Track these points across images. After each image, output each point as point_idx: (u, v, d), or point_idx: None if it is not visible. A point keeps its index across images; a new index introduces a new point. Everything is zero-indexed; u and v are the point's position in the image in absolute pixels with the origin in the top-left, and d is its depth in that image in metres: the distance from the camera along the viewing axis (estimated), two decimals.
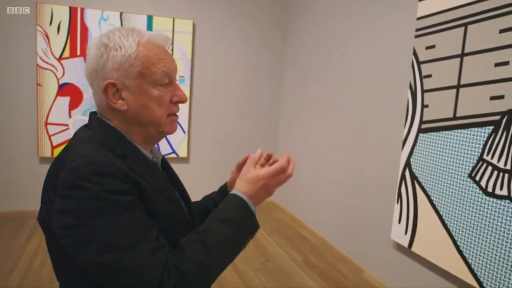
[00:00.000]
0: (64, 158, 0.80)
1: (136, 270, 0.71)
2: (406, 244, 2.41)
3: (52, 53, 3.62)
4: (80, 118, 3.77)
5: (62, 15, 3.59)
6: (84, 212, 0.72)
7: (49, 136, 3.71)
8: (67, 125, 3.75)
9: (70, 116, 3.75)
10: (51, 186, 0.79)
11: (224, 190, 1.15)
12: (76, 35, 3.66)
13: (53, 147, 3.73)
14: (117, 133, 0.87)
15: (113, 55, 0.83)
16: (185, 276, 0.74)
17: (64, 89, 3.70)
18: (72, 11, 3.61)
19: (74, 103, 3.75)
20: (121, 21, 3.77)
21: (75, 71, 3.70)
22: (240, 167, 1.06)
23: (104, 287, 0.74)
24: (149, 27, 3.85)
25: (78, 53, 3.68)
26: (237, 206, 0.85)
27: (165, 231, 0.81)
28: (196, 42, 4.04)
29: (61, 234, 0.74)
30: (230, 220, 0.83)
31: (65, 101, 3.72)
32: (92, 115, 0.92)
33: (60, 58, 3.64)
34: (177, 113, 0.93)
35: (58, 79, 3.66)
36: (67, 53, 3.65)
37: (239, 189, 0.88)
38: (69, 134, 3.75)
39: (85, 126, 0.92)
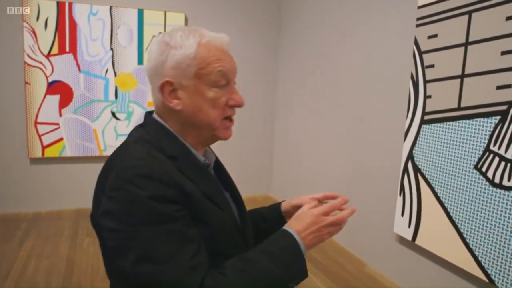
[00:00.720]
0: (115, 159, 0.81)
1: (169, 286, 0.69)
2: (409, 237, 2.38)
3: (40, 50, 3.50)
4: (71, 117, 3.67)
5: (49, 10, 3.47)
6: (125, 216, 0.72)
7: (39, 136, 3.60)
8: (57, 124, 3.64)
9: (60, 114, 3.64)
10: (101, 186, 0.80)
11: (276, 210, 1.09)
12: (65, 31, 3.54)
13: (43, 147, 3.62)
14: (170, 134, 0.87)
15: (173, 54, 0.83)
16: None
17: (54, 87, 3.58)
18: (60, 6, 3.49)
19: (64, 101, 3.64)
20: (111, 16, 3.66)
21: (65, 68, 3.59)
22: (296, 206, 1.02)
23: None
24: (140, 21, 3.75)
25: (67, 49, 3.57)
26: (290, 246, 0.80)
27: (212, 238, 0.79)
28: None
29: (104, 235, 0.76)
30: (279, 260, 0.78)
31: (55, 99, 3.60)
32: (147, 114, 0.92)
33: (48, 55, 3.52)
34: (232, 118, 0.91)
35: (47, 77, 3.55)
36: (55, 50, 3.54)
37: (295, 228, 0.83)
38: (60, 134, 3.65)
39: (140, 125, 0.92)
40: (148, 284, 0.70)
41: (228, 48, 0.88)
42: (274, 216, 1.09)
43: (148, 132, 0.86)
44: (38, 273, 2.55)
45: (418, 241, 2.32)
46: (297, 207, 1.00)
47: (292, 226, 0.84)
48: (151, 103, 3.87)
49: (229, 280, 0.73)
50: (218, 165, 1.00)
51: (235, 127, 1.00)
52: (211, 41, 0.85)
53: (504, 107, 1.83)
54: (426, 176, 2.25)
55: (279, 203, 1.11)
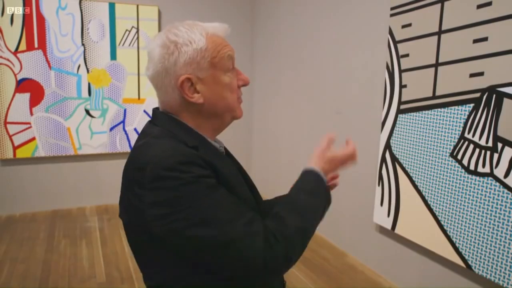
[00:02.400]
0: (143, 158, 0.80)
1: (240, 241, 0.75)
2: (389, 227, 2.40)
3: (6, 46, 3.36)
4: (42, 115, 3.55)
5: (14, 4, 3.33)
6: (178, 199, 0.74)
7: (10, 136, 3.48)
8: (29, 123, 3.52)
9: (31, 113, 3.52)
10: (136, 182, 0.79)
11: None
12: (33, 26, 3.41)
13: (15, 148, 3.50)
14: (185, 126, 0.89)
15: (185, 51, 0.84)
16: (289, 241, 0.79)
17: (23, 85, 3.46)
18: (26, 0, 3.36)
19: (35, 100, 3.52)
20: (81, 10, 3.54)
21: (34, 65, 3.46)
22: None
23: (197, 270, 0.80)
24: (111, 15, 3.64)
25: (36, 45, 3.44)
26: (319, 180, 0.92)
27: None
28: (162, 29, 3.86)
29: (156, 225, 0.76)
30: (314, 192, 0.90)
31: (25, 97, 3.48)
32: (157, 111, 0.93)
33: (16, 52, 3.39)
34: (241, 97, 0.96)
35: (15, 75, 3.42)
36: (23, 46, 3.41)
37: (315, 165, 0.94)
38: (31, 133, 3.53)
39: (150, 122, 0.93)
40: (217, 247, 0.74)
41: (227, 35, 0.93)
42: None
43: (165, 127, 0.88)
44: (12, 278, 2.47)
45: (397, 230, 2.34)
46: None
47: (312, 164, 0.95)
48: (126, 99, 3.81)
49: (289, 221, 0.82)
50: (227, 151, 1.05)
51: None
52: (215, 31, 0.89)
53: (477, 95, 1.85)
54: (404, 165, 2.27)
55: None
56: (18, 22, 3.37)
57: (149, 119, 0.95)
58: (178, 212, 0.74)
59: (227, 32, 0.92)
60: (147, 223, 0.77)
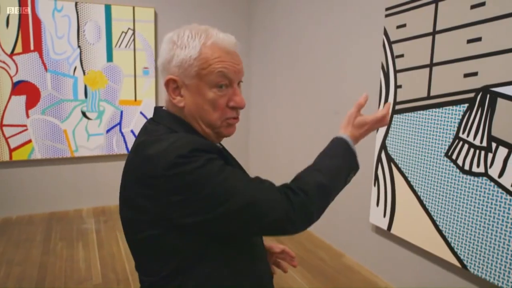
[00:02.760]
0: (151, 150, 0.81)
1: (259, 199, 0.80)
2: (385, 227, 2.40)
3: (2, 49, 3.36)
4: (39, 118, 3.55)
5: (10, 6, 3.33)
6: (196, 181, 0.77)
7: (6, 139, 3.47)
8: (25, 126, 3.52)
9: (27, 116, 3.51)
10: (147, 175, 0.80)
11: None
12: (29, 29, 3.41)
13: (11, 150, 3.49)
14: (187, 124, 0.91)
15: (178, 53, 0.87)
16: (308, 194, 0.83)
17: (19, 87, 3.45)
18: (22, 2, 3.36)
19: (31, 102, 3.51)
20: (77, 12, 3.54)
21: (30, 68, 3.46)
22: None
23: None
24: (108, 16, 3.64)
25: (32, 48, 3.44)
26: (343, 145, 0.96)
27: None
28: (158, 31, 3.87)
29: (179, 208, 0.79)
30: (337, 155, 0.94)
31: (21, 100, 3.47)
32: (159, 109, 0.95)
33: (12, 54, 3.39)
34: (236, 117, 0.94)
35: (11, 77, 3.41)
36: (19, 49, 3.40)
37: (344, 132, 0.99)
38: (28, 135, 3.53)
39: (152, 119, 0.95)
40: (242, 210, 0.79)
41: (235, 49, 0.91)
42: None
43: (166, 125, 0.90)
44: (8, 280, 2.46)
45: (393, 230, 2.35)
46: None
47: (343, 131, 1.00)
48: (123, 101, 3.81)
49: (308, 178, 0.87)
50: (225, 150, 1.06)
51: None
52: (217, 42, 0.88)
53: (472, 95, 1.85)
54: (399, 165, 2.27)
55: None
56: (14, 24, 3.36)
57: (145, 120, 0.98)
58: (198, 193, 0.78)
59: (232, 45, 0.90)
60: (161, 211, 0.80)
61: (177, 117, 0.91)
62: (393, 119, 2.29)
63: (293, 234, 0.84)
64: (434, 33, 2.02)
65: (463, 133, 1.91)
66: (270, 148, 3.96)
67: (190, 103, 0.89)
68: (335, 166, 0.92)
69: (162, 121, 0.91)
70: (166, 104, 0.95)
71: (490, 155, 1.79)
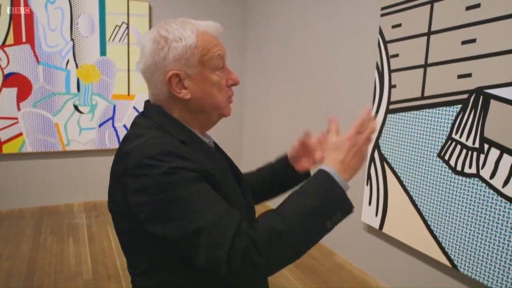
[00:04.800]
0: (129, 146, 0.82)
1: (210, 230, 0.73)
2: (377, 226, 2.41)
3: None
4: (30, 111, 3.50)
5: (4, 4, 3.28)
6: (158, 187, 0.76)
7: None
8: (16, 118, 3.47)
9: (19, 108, 3.47)
10: (122, 170, 0.82)
11: (283, 157, 1.16)
12: (20, 20, 3.36)
13: (1, 143, 3.45)
14: (175, 120, 0.91)
15: (175, 47, 0.86)
16: (256, 242, 0.71)
17: (10, 79, 3.41)
18: None
19: (23, 95, 3.47)
20: (70, 4, 3.49)
21: (22, 60, 3.41)
22: (301, 142, 1.12)
23: (176, 262, 0.82)
24: (101, 10, 3.60)
25: (24, 39, 3.39)
26: (321, 177, 0.80)
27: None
28: (153, 25, 3.83)
29: (139, 211, 0.79)
30: (311, 192, 0.78)
31: (12, 92, 3.43)
32: (149, 104, 0.94)
33: (3, 46, 3.34)
34: (232, 96, 0.96)
35: (2, 69, 3.37)
36: (10, 40, 3.35)
37: (326, 162, 0.83)
38: (18, 128, 3.48)
39: (141, 114, 0.94)
40: (190, 234, 0.74)
41: (219, 34, 0.93)
42: (282, 167, 1.15)
43: (155, 120, 0.89)
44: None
45: (385, 229, 2.35)
46: (303, 146, 1.12)
47: (326, 163, 0.83)
48: (116, 95, 3.78)
49: (262, 223, 0.75)
50: (216, 146, 1.06)
51: None
52: (207, 29, 0.90)
53: (465, 96, 1.86)
54: (392, 165, 2.28)
55: (284, 154, 1.17)
56: (5, 15, 3.31)
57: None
58: (156, 201, 0.76)
59: (219, 31, 0.93)
60: (131, 209, 0.80)
61: (166, 113, 0.91)
62: (387, 118, 2.29)
63: (239, 281, 0.76)
64: (429, 33, 2.02)
65: (456, 134, 1.91)
66: (264, 144, 3.96)
67: (197, 92, 0.89)
68: (304, 207, 0.75)
69: (152, 116, 0.91)
70: (154, 99, 0.93)
71: (482, 156, 1.80)
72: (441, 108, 1.98)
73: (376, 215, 2.41)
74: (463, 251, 1.90)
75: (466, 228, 1.88)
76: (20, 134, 3.51)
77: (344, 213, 0.78)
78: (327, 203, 0.77)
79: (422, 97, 2.07)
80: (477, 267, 1.84)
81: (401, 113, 2.20)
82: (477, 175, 1.83)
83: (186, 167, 0.78)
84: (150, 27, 3.80)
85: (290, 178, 1.14)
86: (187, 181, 0.76)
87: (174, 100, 0.90)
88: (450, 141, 1.94)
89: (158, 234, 0.78)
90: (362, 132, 0.85)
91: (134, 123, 0.93)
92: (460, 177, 1.90)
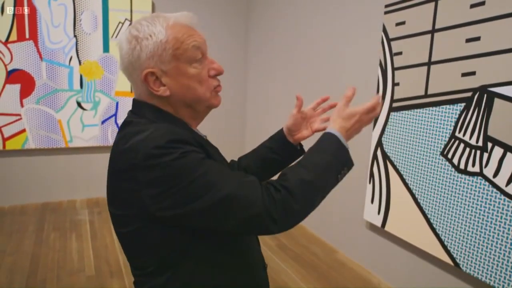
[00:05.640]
0: (131, 142, 0.81)
1: (238, 193, 0.77)
2: (379, 224, 2.41)
3: None
4: (33, 107, 3.51)
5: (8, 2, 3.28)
6: (174, 172, 0.76)
7: None
8: (19, 115, 3.48)
9: (22, 105, 3.48)
10: (127, 166, 0.80)
11: (279, 136, 1.20)
12: (24, 17, 3.36)
13: (4, 139, 3.46)
14: (169, 114, 0.90)
15: (146, 45, 0.85)
16: (290, 191, 0.79)
17: (14, 76, 3.41)
18: None
19: (26, 91, 3.47)
20: (73, 1, 3.50)
21: (25, 56, 3.42)
22: (299, 109, 1.16)
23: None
24: (105, 6, 3.60)
25: (27, 36, 3.39)
26: (331, 139, 0.90)
27: None
28: None
29: (155, 201, 0.78)
30: (325, 150, 0.88)
31: (15, 89, 3.44)
32: (138, 101, 0.92)
33: (6, 42, 3.34)
34: (219, 85, 0.94)
35: (5, 65, 3.37)
36: (14, 37, 3.36)
37: (333, 127, 0.93)
38: (22, 125, 3.49)
39: (132, 112, 0.93)
40: (219, 204, 0.77)
41: (194, 23, 0.90)
42: (280, 144, 1.19)
43: (147, 117, 0.88)
44: (0, 270, 2.45)
45: (387, 227, 2.35)
46: (301, 114, 1.17)
47: (331, 126, 0.93)
48: (119, 92, 3.78)
49: (291, 175, 0.83)
50: (209, 143, 1.06)
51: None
52: (177, 21, 0.87)
53: (469, 94, 1.85)
54: (395, 163, 2.27)
55: (279, 131, 1.22)
56: (9, 11, 3.31)
57: None
58: (175, 186, 0.76)
59: (193, 20, 0.90)
60: (142, 204, 0.79)
61: (158, 108, 0.90)
62: (390, 116, 2.29)
63: (277, 233, 0.81)
64: (433, 31, 2.01)
65: (459, 132, 1.91)
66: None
67: (176, 88, 0.87)
68: (323, 162, 0.86)
69: (144, 113, 0.89)
70: (139, 98, 0.92)
71: (485, 155, 1.79)
72: (444, 106, 1.97)
73: (379, 213, 2.41)
74: (465, 250, 1.90)
75: (469, 227, 1.88)
76: (23, 131, 3.52)
77: (349, 169, 0.92)
78: (338, 160, 0.89)
79: (426, 95, 2.07)
80: (479, 265, 1.84)
81: (404, 111, 2.20)
82: (480, 174, 1.82)
83: (193, 150, 0.80)
84: None
85: (288, 152, 1.17)
86: (199, 161, 0.79)
87: (156, 98, 0.89)
88: (453, 140, 1.94)
89: (182, 218, 0.79)
90: (369, 113, 0.95)
91: (129, 122, 0.90)
92: (463, 176, 1.90)
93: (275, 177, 0.89)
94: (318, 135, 0.94)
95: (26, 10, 3.34)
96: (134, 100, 0.94)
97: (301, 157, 0.90)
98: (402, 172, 2.23)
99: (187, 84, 0.88)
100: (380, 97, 0.98)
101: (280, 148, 1.18)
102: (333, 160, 0.87)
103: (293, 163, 0.90)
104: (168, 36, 0.85)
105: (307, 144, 1.01)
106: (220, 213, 0.77)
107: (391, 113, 2.28)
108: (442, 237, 2.01)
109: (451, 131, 1.94)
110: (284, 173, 0.85)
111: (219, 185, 0.77)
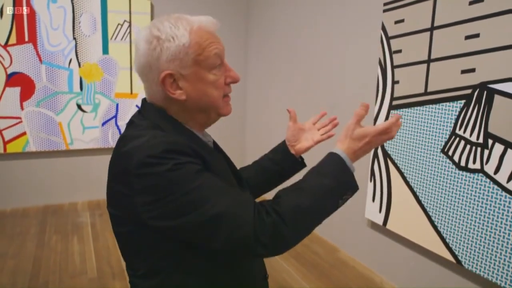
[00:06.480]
0: (128, 146, 0.80)
1: (229, 213, 0.75)
2: (380, 222, 2.41)
3: None
4: (33, 110, 3.51)
5: (6, 3, 3.29)
6: (166, 184, 0.75)
7: (0, 131, 3.43)
8: (19, 118, 3.48)
9: (22, 108, 3.48)
10: (123, 170, 0.80)
11: (281, 147, 1.19)
12: (23, 20, 3.36)
13: (5, 143, 3.46)
14: (173, 119, 0.89)
15: (167, 47, 0.83)
16: (282, 216, 0.76)
17: (13, 79, 3.41)
18: None
19: (26, 94, 3.47)
20: (72, 3, 3.50)
21: (25, 59, 3.42)
22: (294, 121, 1.16)
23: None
24: (103, 8, 3.60)
25: (26, 39, 3.40)
26: (335, 161, 0.85)
27: None
28: None
29: (145, 210, 0.77)
30: (327, 173, 0.84)
31: (15, 92, 3.44)
32: (146, 103, 0.92)
33: (6, 45, 3.34)
34: (229, 94, 0.93)
35: (5, 69, 3.37)
36: (13, 40, 3.36)
37: (340, 147, 0.88)
38: (22, 128, 3.50)
39: (139, 112, 0.92)
40: (209, 222, 0.74)
41: (216, 29, 0.89)
42: (282, 155, 1.17)
43: (152, 120, 0.88)
44: (2, 273, 2.45)
45: (389, 226, 2.35)
46: (300, 128, 1.18)
47: (338, 146, 0.89)
48: (119, 94, 3.78)
49: (285, 198, 0.79)
50: (215, 145, 1.04)
51: None
52: (201, 26, 0.86)
53: (469, 91, 1.85)
54: (396, 161, 2.27)
55: (282, 142, 1.20)
56: (8, 15, 3.31)
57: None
58: (166, 197, 0.75)
59: (216, 26, 0.89)
60: (135, 210, 0.78)
61: (164, 111, 0.89)
62: (390, 114, 2.29)
63: (267, 257, 0.79)
64: (432, 28, 2.01)
65: (459, 129, 1.91)
66: (267, 143, 3.95)
67: (192, 93, 0.86)
68: (323, 186, 0.82)
69: (149, 115, 0.89)
70: (150, 98, 0.91)
71: (486, 152, 1.79)
72: (444, 104, 1.97)
73: (380, 211, 2.40)
74: (467, 247, 1.90)
75: (470, 224, 1.88)
76: (24, 134, 3.52)
77: (353, 193, 0.87)
78: (341, 184, 0.84)
79: (426, 93, 2.07)
80: (481, 262, 1.84)
81: (404, 109, 2.20)
82: (481, 171, 1.82)
83: (189, 161, 0.78)
84: None
85: (289, 163, 1.16)
86: (194, 173, 0.77)
87: (170, 100, 0.88)
88: (454, 137, 1.94)
89: (171, 230, 0.78)
90: (381, 135, 0.88)
91: (132, 123, 0.90)
92: (464, 173, 1.90)
93: (273, 191, 0.87)
94: (322, 145, 0.93)
95: (25, 10, 3.34)
96: (143, 100, 0.93)
97: (300, 179, 0.86)
98: (403, 170, 2.23)
99: (204, 89, 0.87)
100: (400, 117, 0.90)
101: (281, 159, 1.17)
102: (335, 184, 0.83)
103: (290, 185, 0.85)
104: (191, 41, 0.83)
105: (311, 155, 0.99)
106: (209, 230, 0.76)
107: (391, 111, 2.28)
108: (444, 235, 2.01)
109: (451, 128, 1.94)
110: (279, 195, 0.82)
111: (211, 201, 0.75)
